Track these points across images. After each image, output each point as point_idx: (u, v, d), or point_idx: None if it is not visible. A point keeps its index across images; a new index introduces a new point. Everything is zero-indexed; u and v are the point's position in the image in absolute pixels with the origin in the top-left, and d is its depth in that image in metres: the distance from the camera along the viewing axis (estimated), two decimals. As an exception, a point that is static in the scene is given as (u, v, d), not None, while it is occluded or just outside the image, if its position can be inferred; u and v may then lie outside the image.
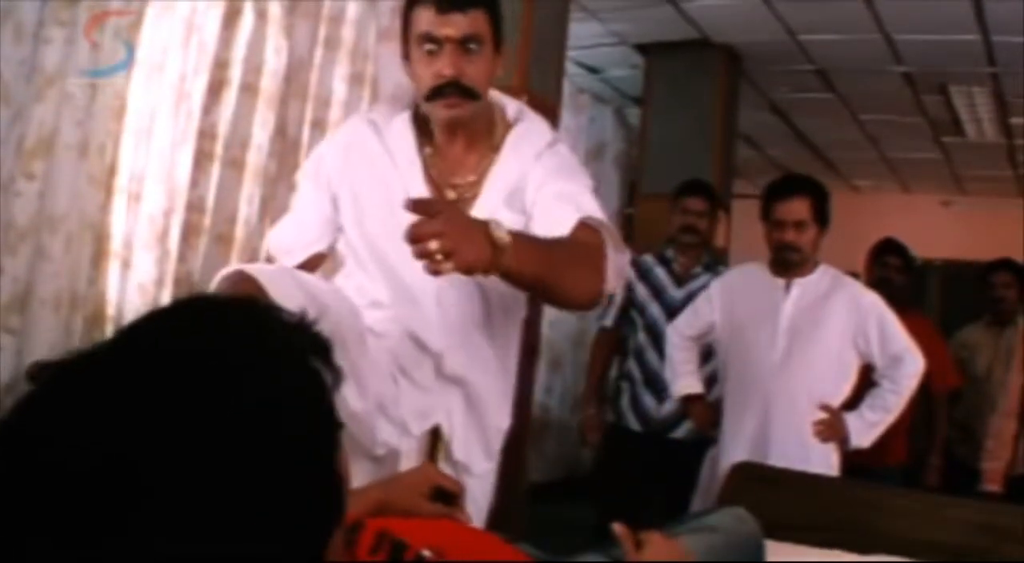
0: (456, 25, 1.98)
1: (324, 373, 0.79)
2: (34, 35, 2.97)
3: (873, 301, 3.36)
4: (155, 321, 0.79)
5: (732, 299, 3.50)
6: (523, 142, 2.14)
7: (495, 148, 2.14)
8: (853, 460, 3.51)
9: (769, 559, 2.03)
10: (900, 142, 7.70)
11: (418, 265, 1.98)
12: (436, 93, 2.03)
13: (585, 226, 1.93)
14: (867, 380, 3.41)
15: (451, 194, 2.12)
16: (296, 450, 0.74)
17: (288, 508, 0.72)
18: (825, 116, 7.05)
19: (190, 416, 0.70)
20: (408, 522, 1.34)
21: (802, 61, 5.90)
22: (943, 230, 8.93)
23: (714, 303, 3.54)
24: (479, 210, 2.08)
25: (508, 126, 2.16)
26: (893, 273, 4.46)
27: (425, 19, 2.00)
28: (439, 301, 2.10)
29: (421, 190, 2.09)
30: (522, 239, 1.72)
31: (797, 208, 3.30)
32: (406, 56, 2.08)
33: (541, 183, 2.07)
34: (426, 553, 1.14)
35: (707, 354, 3.74)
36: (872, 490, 2.95)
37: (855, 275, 4.25)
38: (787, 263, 3.34)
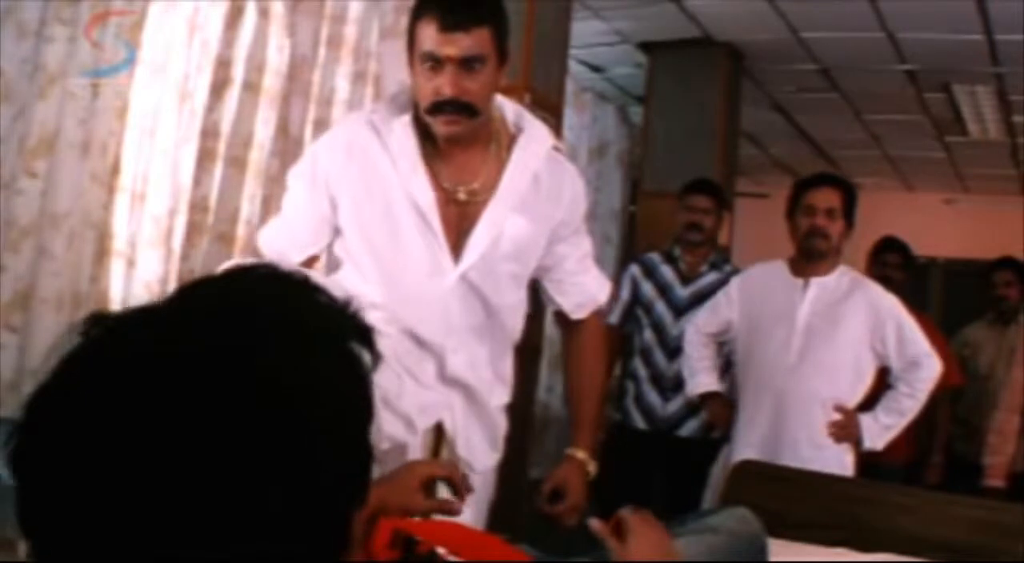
0: (458, 44, 1.98)
1: (362, 357, 0.80)
2: (36, 33, 2.96)
3: (892, 304, 3.34)
4: (204, 291, 0.80)
5: (751, 297, 3.49)
6: (530, 146, 2.17)
7: (500, 156, 2.15)
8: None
9: (773, 558, 2.03)
10: (903, 140, 7.69)
11: (422, 270, 2.05)
12: (435, 109, 2.03)
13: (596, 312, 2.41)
14: (883, 382, 3.40)
15: (462, 196, 2.12)
16: (330, 431, 0.75)
17: (317, 476, 0.73)
18: (828, 114, 7.04)
19: (221, 397, 0.70)
20: (416, 522, 1.35)
21: (805, 59, 5.89)
22: (946, 228, 8.92)
23: (733, 300, 3.52)
24: (490, 217, 2.11)
25: (511, 133, 2.18)
26: (893, 271, 4.46)
27: (428, 36, 1.99)
28: (446, 307, 2.11)
29: (426, 194, 2.09)
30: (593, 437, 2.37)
31: (830, 196, 3.32)
32: (411, 63, 2.07)
33: (565, 219, 2.23)
34: (439, 550, 1.16)
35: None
36: (876, 488, 2.95)
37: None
38: (814, 251, 3.31)
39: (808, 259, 3.34)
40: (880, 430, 3.29)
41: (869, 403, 3.36)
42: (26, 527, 0.72)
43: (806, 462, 3.13)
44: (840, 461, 3.27)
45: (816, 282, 3.32)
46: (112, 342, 0.74)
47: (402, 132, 2.12)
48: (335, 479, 0.75)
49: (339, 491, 0.76)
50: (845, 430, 3.27)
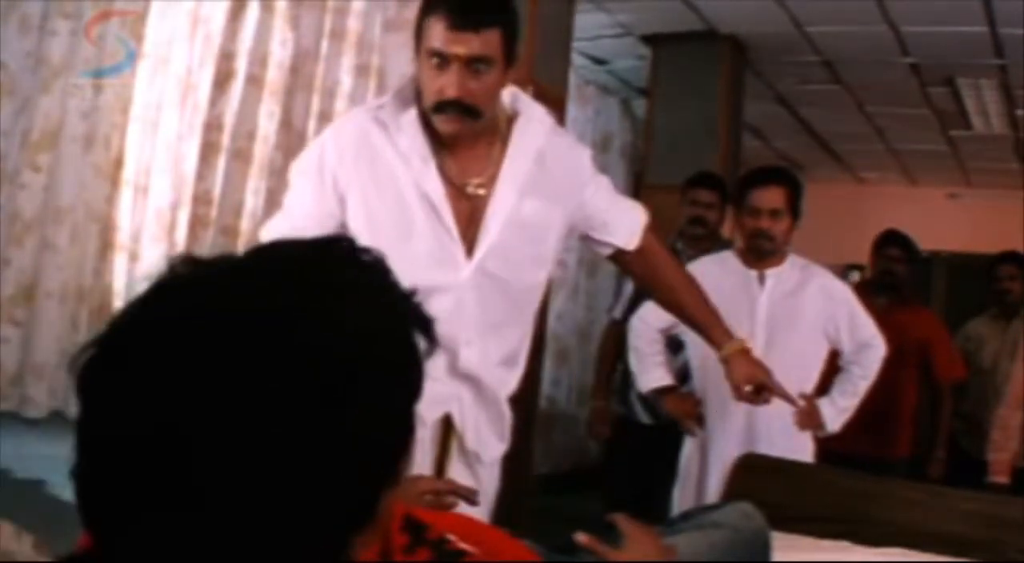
0: (467, 44, 1.96)
1: (421, 343, 0.83)
2: (40, 27, 2.97)
3: (843, 290, 3.41)
4: (287, 252, 0.83)
5: (706, 289, 3.46)
6: (529, 126, 2.17)
7: (503, 140, 2.15)
8: (857, 451, 3.50)
9: (776, 551, 2.03)
10: (907, 134, 7.68)
11: (434, 264, 2.05)
12: (438, 108, 2.03)
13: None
14: (832, 366, 3.41)
15: (471, 190, 2.13)
16: (376, 407, 0.76)
17: (357, 448, 0.75)
18: (831, 108, 7.04)
19: (281, 360, 0.72)
20: (425, 512, 1.36)
21: (808, 52, 5.89)
22: (949, 222, 8.90)
23: None
24: (497, 202, 2.12)
25: (509, 117, 2.18)
26: (895, 264, 4.45)
27: (436, 33, 1.97)
28: (460, 301, 2.11)
29: (437, 189, 2.09)
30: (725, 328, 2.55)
31: (773, 196, 3.30)
32: (417, 56, 2.07)
33: (587, 181, 2.23)
34: (450, 536, 1.16)
35: (675, 346, 3.63)
36: (879, 482, 2.95)
37: (860, 268, 4.23)
38: (760, 251, 3.33)
39: (757, 257, 3.36)
40: (838, 413, 3.33)
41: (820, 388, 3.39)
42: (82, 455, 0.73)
43: (781, 451, 3.13)
44: (807, 448, 3.30)
45: (772, 273, 3.34)
46: (190, 289, 0.76)
47: (410, 128, 2.11)
48: (374, 453, 0.77)
49: (376, 466, 0.77)
50: (809, 417, 3.29)
